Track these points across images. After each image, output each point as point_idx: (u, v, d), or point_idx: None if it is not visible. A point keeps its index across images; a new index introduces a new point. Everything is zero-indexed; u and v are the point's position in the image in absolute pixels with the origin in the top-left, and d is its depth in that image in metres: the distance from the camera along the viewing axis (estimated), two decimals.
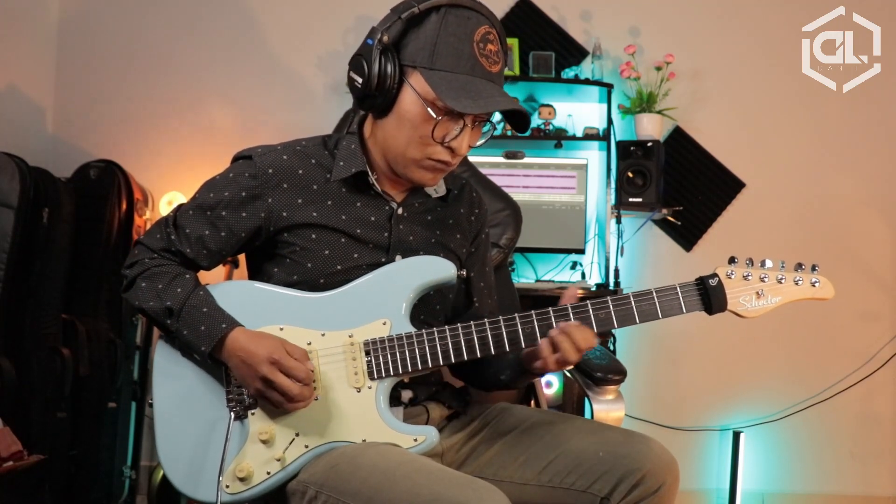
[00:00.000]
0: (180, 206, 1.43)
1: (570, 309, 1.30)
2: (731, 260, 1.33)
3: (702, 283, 1.31)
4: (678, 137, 3.22)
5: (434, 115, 1.29)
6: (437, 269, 1.36)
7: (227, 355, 1.30)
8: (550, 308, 1.31)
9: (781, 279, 1.33)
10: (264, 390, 1.27)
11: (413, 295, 1.35)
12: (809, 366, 3.16)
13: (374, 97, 1.32)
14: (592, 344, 1.29)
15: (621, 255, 3.08)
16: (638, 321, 1.30)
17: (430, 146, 1.32)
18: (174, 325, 1.33)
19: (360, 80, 1.32)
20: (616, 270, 3.04)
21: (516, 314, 1.32)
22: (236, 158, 1.43)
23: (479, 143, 1.37)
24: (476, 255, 1.56)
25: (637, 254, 3.20)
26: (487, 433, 1.43)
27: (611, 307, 1.30)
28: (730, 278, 1.32)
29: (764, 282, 1.32)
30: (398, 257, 1.41)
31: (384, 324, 1.33)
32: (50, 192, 2.63)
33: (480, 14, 1.32)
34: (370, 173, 1.40)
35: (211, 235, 1.39)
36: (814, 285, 1.33)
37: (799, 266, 1.34)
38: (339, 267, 1.37)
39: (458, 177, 1.56)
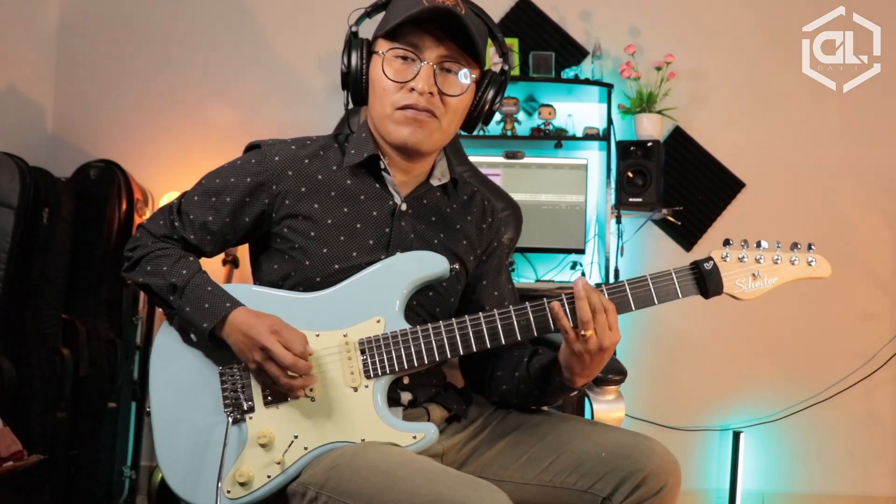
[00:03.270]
0: (185, 193, 1.44)
1: (564, 298, 1.30)
2: (727, 242, 1.32)
3: (697, 267, 1.31)
4: (678, 137, 3.22)
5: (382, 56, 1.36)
6: (429, 263, 1.36)
7: (227, 332, 1.30)
8: (545, 299, 1.31)
9: (777, 259, 1.32)
10: (262, 362, 1.27)
11: (406, 291, 1.35)
12: (809, 366, 3.16)
13: (355, 79, 1.40)
14: (607, 308, 1.25)
15: (621, 255, 3.08)
16: (634, 308, 1.30)
17: (394, 93, 1.36)
18: (177, 302, 1.33)
19: (344, 70, 1.42)
20: (616, 270, 3.04)
21: (511, 307, 1.32)
22: (248, 148, 1.46)
23: (458, 91, 1.38)
24: (489, 264, 1.54)
25: (637, 254, 3.20)
26: (488, 433, 1.43)
27: (605, 295, 1.29)
28: (725, 261, 1.31)
29: (759, 263, 1.31)
30: (398, 254, 1.40)
31: (378, 321, 1.33)
32: (50, 192, 2.63)
33: None
34: (381, 157, 1.41)
35: (214, 220, 1.40)
36: (810, 264, 1.33)
37: (795, 245, 1.33)
38: (336, 266, 1.37)
39: (468, 183, 1.56)
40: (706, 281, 1.30)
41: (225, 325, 1.30)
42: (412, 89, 1.35)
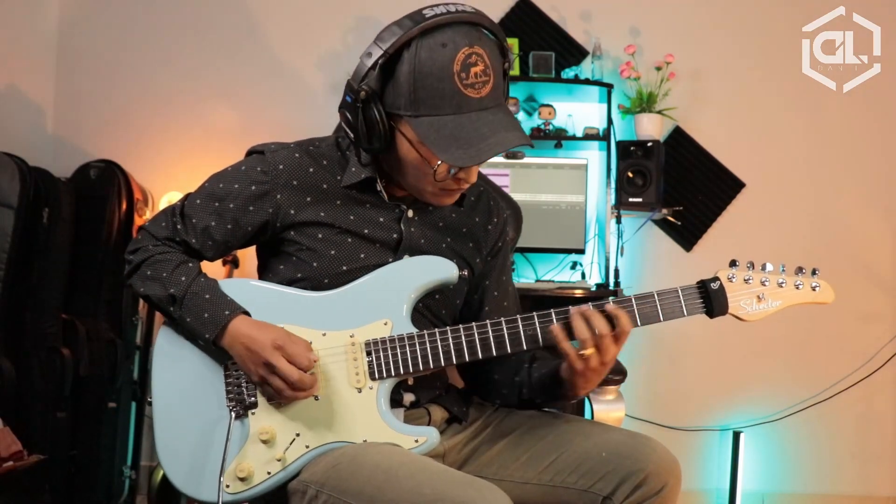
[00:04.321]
0: (188, 195, 1.43)
1: (571, 311, 1.30)
2: (733, 263, 1.33)
3: (703, 286, 1.31)
4: (678, 137, 3.22)
5: (431, 164, 1.28)
6: (438, 268, 1.36)
7: (229, 342, 1.30)
8: (552, 310, 1.31)
9: (782, 283, 1.33)
10: (267, 376, 1.27)
11: (414, 295, 1.35)
12: (809, 366, 3.16)
13: (370, 146, 1.32)
14: (623, 324, 1.26)
15: (621, 255, 3.08)
16: (639, 324, 1.30)
17: (439, 181, 1.31)
18: (177, 313, 1.33)
19: (352, 135, 1.33)
20: (616, 270, 3.03)
21: (518, 315, 1.32)
22: (250, 153, 1.44)
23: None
24: (493, 264, 1.54)
25: (637, 254, 3.20)
26: (489, 433, 1.43)
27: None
28: (731, 281, 1.31)
29: (765, 286, 1.32)
30: (407, 258, 1.40)
31: (385, 324, 1.33)
32: (50, 192, 2.63)
33: (456, 32, 1.25)
34: (378, 180, 1.40)
35: (217, 227, 1.39)
36: (814, 289, 1.33)
37: (799, 270, 1.34)
38: (344, 268, 1.37)
39: (475, 184, 1.55)
40: (712, 301, 1.30)
41: (225, 335, 1.30)
42: (460, 178, 1.33)
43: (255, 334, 1.28)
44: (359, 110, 1.28)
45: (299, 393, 1.28)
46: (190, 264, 1.38)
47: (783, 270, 1.34)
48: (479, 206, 1.53)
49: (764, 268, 1.33)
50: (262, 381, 1.29)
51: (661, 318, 1.30)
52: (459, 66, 1.24)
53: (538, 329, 1.31)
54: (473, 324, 1.32)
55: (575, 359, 1.28)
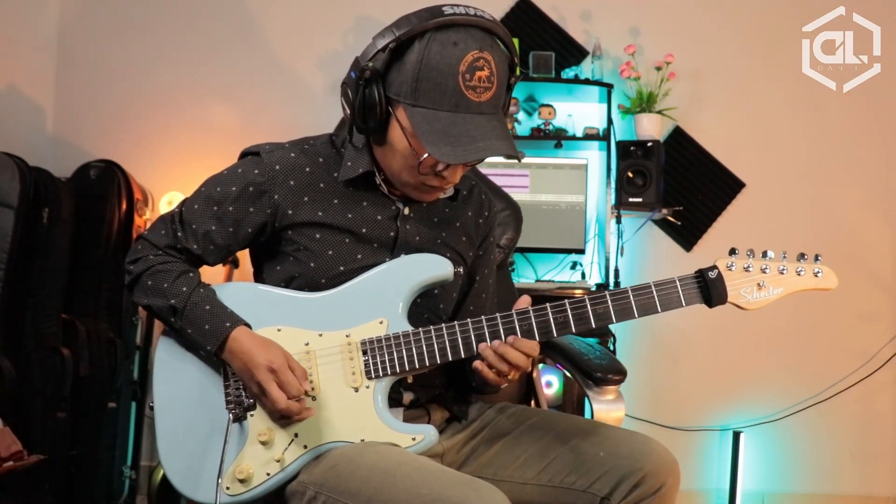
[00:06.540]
0: (185, 201, 1.42)
1: (567, 304, 1.29)
2: (732, 251, 1.31)
3: (701, 275, 1.30)
4: (678, 137, 3.22)
5: (418, 155, 1.29)
6: (434, 266, 1.36)
7: (229, 356, 1.31)
8: (548, 304, 1.31)
9: (783, 270, 1.30)
10: (258, 395, 1.29)
11: (410, 293, 1.35)
12: (809, 366, 3.16)
13: (364, 126, 1.33)
14: (532, 351, 1.29)
15: (621, 255, 3.08)
16: (637, 315, 1.28)
17: (423, 174, 1.33)
18: (178, 324, 1.33)
19: (348, 111, 1.34)
20: (616, 270, 3.03)
21: (514, 311, 1.31)
22: (244, 154, 1.44)
23: (476, 163, 1.37)
24: (482, 258, 1.55)
25: (637, 254, 3.20)
26: (488, 433, 1.43)
27: (609, 302, 1.29)
28: (730, 270, 1.30)
29: (765, 273, 1.30)
30: (402, 256, 1.40)
31: (381, 323, 1.33)
32: (50, 192, 2.63)
33: (470, 34, 1.26)
34: (377, 173, 1.40)
35: (218, 231, 1.39)
36: (816, 275, 1.31)
37: (801, 256, 1.32)
38: (341, 268, 1.37)
39: (467, 177, 1.55)
40: (710, 290, 1.28)
41: (225, 349, 1.30)
42: (444, 176, 1.33)
43: (254, 353, 1.28)
44: (361, 87, 1.29)
45: (289, 419, 1.28)
46: (191, 274, 1.38)
47: (784, 257, 1.32)
48: (471, 200, 1.53)
49: (764, 255, 1.31)
50: (256, 397, 1.31)
51: (660, 309, 1.29)
52: (466, 66, 1.25)
53: (534, 324, 1.30)
54: (469, 320, 1.31)
55: (499, 381, 1.31)
